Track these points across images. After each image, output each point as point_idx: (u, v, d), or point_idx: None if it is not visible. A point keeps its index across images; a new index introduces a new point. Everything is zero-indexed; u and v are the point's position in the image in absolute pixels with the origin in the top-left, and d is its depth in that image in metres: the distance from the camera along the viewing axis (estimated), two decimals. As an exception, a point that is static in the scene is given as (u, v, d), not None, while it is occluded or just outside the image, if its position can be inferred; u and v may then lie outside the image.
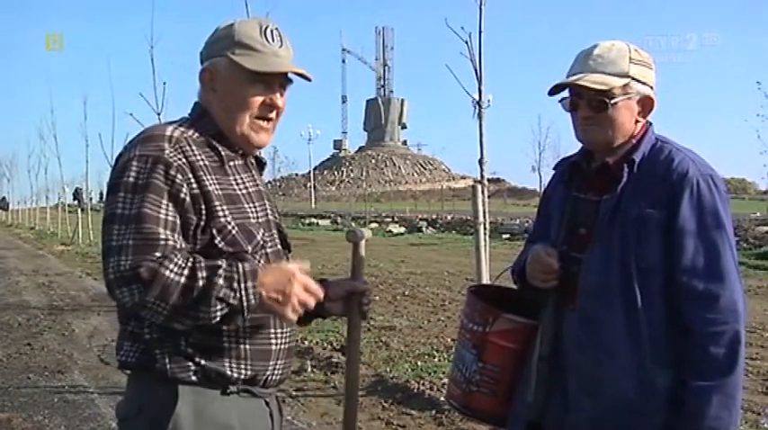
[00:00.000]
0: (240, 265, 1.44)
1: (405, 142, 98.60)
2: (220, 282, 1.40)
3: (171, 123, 1.62)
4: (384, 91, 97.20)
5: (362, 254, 1.82)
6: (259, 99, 1.61)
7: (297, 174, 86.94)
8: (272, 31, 1.61)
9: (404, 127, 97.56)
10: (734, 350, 1.64)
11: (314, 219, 33.30)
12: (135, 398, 1.56)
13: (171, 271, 1.39)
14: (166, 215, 1.45)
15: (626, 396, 1.71)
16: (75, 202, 32.70)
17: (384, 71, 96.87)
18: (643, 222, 1.69)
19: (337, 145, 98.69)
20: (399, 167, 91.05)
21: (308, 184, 74.35)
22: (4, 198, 46.15)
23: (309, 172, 79.69)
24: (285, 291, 1.44)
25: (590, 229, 1.79)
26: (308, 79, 1.66)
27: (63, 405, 4.84)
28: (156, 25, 11.41)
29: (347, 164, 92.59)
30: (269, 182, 74.54)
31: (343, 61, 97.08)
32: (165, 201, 1.46)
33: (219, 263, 1.44)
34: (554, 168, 2.04)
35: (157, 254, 1.41)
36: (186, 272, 1.40)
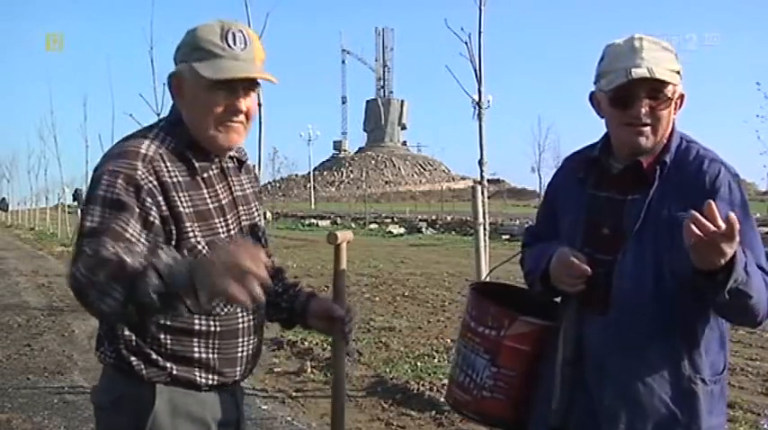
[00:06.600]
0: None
1: (404, 143, 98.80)
2: (160, 253, 1.37)
3: (147, 135, 1.61)
4: (384, 92, 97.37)
5: (344, 258, 1.86)
6: (221, 105, 1.59)
7: (297, 175, 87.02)
8: (233, 34, 1.58)
9: (403, 127, 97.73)
10: None
11: (314, 220, 33.26)
12: (111, 391, 1.64)
13: (109, 249, 1.40)
14: (132, 235, 1.47)
15: (663, 405, 1.65)
16: (75, 203, 32.66)
17: (384, 72, 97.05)
18: (675, 225, 1.59)
19: (337, 146, 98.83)
20: (399, 168, 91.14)
21: (308, 185, 74.48)
22: (3, 199, 46.02)
23: (309, 173, 79.85)
24: (230, 262, 1.30)
25: (614, 230, 1.72)
26: (272, 81, 1.63)
27: (63, 406, 4.83)
28: (156, 25, 11.32)
29: (347, 164, 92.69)
30: (269, 182, 74.59)
31: (343, 62, 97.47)
32: (133, 221, 1.48)
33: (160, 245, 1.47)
34: (564, 161, 1.95)
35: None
36: (121, 247, 1.40)
